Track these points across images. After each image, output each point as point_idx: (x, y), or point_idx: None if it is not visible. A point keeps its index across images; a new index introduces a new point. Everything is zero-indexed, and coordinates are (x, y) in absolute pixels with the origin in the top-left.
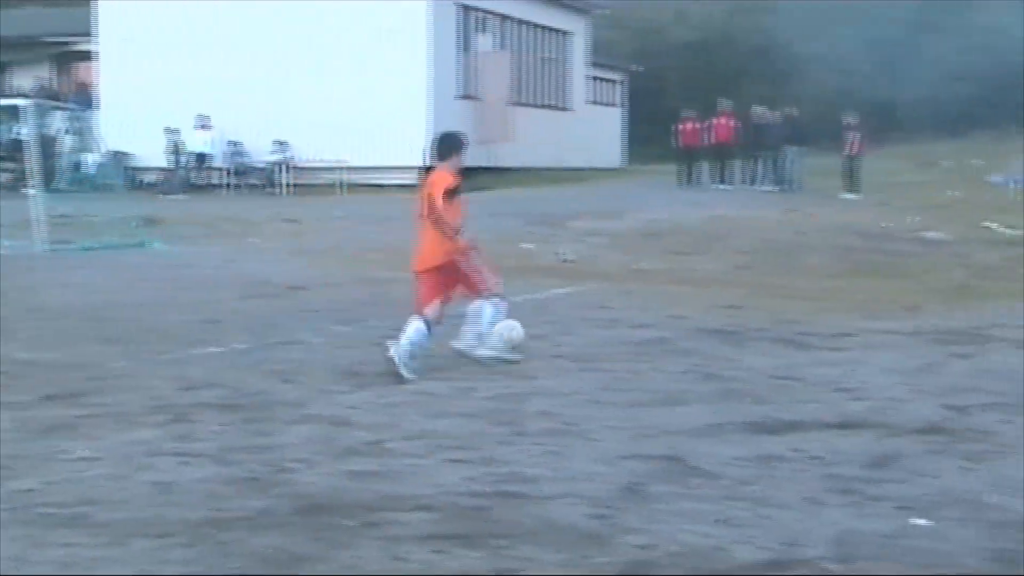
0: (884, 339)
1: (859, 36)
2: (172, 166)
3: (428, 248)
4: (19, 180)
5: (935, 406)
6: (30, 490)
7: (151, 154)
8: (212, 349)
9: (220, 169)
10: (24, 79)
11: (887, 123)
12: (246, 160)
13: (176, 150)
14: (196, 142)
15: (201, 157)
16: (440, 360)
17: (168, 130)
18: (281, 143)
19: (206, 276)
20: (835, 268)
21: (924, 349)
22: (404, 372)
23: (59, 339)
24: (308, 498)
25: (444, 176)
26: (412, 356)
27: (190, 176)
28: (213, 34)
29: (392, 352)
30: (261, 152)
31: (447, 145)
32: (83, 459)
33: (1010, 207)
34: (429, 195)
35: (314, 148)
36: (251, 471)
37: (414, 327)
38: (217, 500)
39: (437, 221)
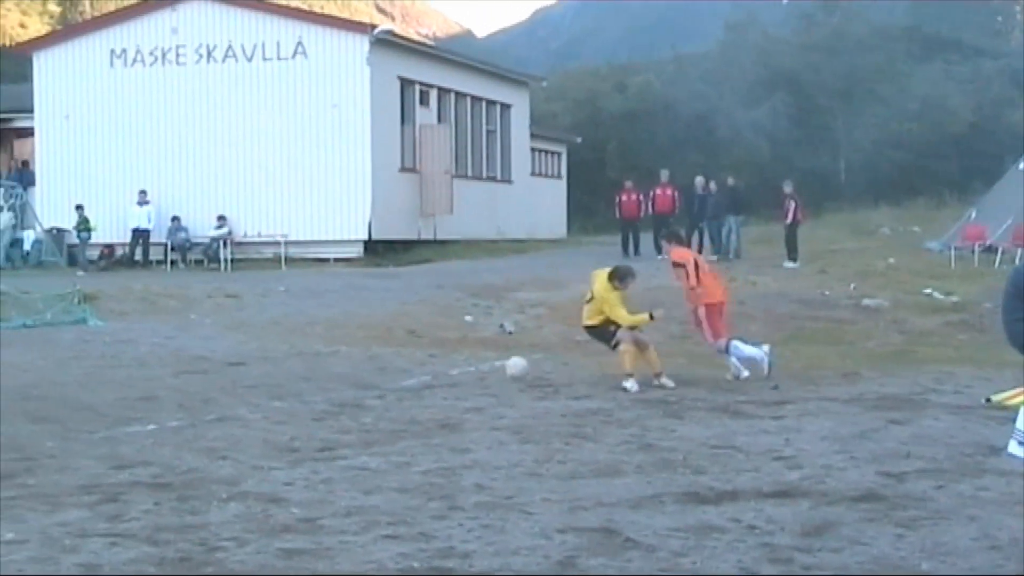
0: (821, 406)
1: (795, 105)
2: (81, 242)
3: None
4: None
5: (871, 473)
6: None
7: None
8: (146, 427)
9: (160, 244)
10: None
11: (826, 191)
12: (187, 235)
13: (84, 227)
14: (135, 218)
15: (140, 232)
16: (377, 435)
17: (77, 207)
18: (223, 218)
19: (143, 352)
20: (774, 336)
21: (861, 416)
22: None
23: None
24: None
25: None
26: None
27: (133, 253)
28: (152, 110)
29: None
30: (203, 227)
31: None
32: (8, 542)
33: (946, 273)
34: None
35: (255, 223)
36: (181, 551)
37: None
38: None
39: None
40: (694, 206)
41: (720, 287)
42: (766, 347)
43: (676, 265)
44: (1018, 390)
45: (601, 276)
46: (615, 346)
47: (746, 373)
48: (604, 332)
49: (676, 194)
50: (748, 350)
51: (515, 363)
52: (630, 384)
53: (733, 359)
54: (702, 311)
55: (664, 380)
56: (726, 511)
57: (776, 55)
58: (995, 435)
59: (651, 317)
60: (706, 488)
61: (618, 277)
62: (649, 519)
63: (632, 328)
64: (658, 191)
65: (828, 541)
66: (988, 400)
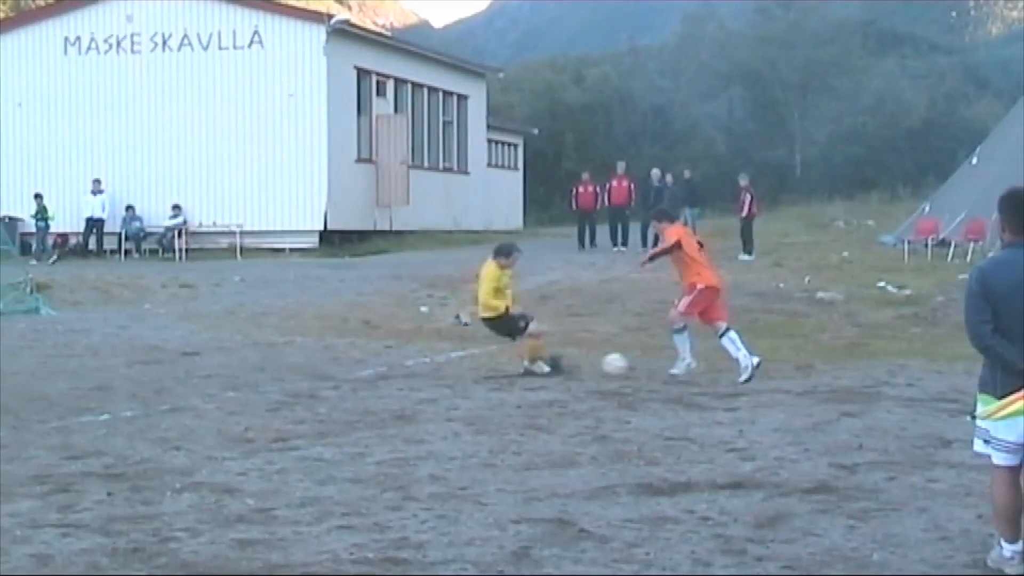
0: (775, 398)
1: (752, 98)
2: (38, 231)
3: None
4: None
5: (824, 465)
6: None
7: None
8: (99, 417)
9: (114, 234)
10: None
11: (781, 184)
12: (142, 225)
13: (41, 216)
14: (89, 207)
15: (94, 222)
16: (331, 425)
17: (35, 196)
18: (177, 207)
19: (96, 342)
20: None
21: (814, 408)
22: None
23: None
24: (191, 567)
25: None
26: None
27: (87, 242)
28: (107, 98)
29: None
30: (157, 217)
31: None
32: None
33: (900, 267)
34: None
35: (211, 212)
36: (134, 541)
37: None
38: (99, 572)
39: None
40: (650, 198)
41: (715, 272)
42: (756, 359)
43: (667, 249)
44: (1011, 398)
45: (490, 261)
46: (520, 334)
47: (690, 361)
48: (507, 323)
49: (632, 186)
50: (738, 350)
51: (612, 361)
52: (539, 367)
53: (680, 342)
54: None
55: (540, 365)
56: (680, 502)
57: (733, 48)
58: (946, 428)
59: (521, 324)
60: (660, 479)
61: (503, 253)
62: (603, 510)
63: (489, 313)
64: (614, 183)
65: (781, 532)
66: (972, 417)
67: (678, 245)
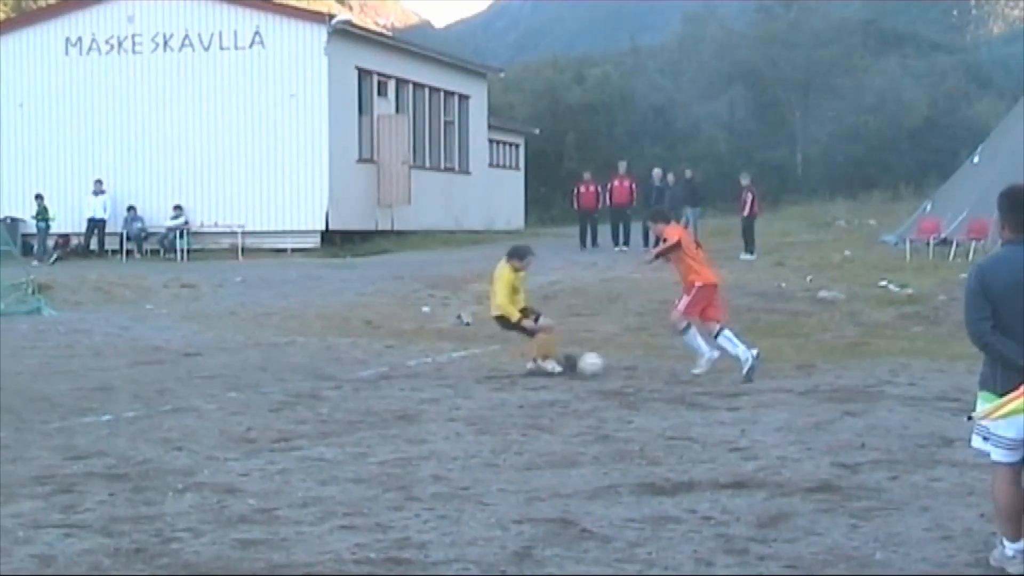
0: (777, 398)
1: (753, 98)
2: (39, 231)
3: None
4: None
5: (826, 464)
6: None
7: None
8: (101, 417)
9: (116, 235)
10: None
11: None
12: (143, 225)
13: (42, 216)
14: (90, 208)
15: (96, 222)
16: (333, 425)
17: (36, 196)
18: (179, 208)
19: (98, 343)
20: (731, 328)
21: (816, 407)
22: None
23: None
24: (193, 568)
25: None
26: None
27: (88, 243)
28: (108, 99)
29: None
30: (159, 217)
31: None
32: None
33: (902, 266)
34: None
35: (212, 213)
36: (137, 542)
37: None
38: (101, 572)
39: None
40: (651, 198)
41: (713, 270)
42: (755, 351)
43: (671, 248)
44: (1008, 398)
45: (503, 263)
46: (534, 332)
47: (710, 355)
48: (518, 326)
49: (634, 186)
50: (735, 347)
51: (592, 361)
52: (551, 365)
53: (689, 341)
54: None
55: (552, 364)
56: (682, 502)
57: (734, 48)
58: (948, 427)
59: (528, 327)
60: (662, 479)
61: (517, 256)
62: (605, 510)
63: (502, 314)
64: (616, 183)
65: (783, 532)
66: (970, 418)
67: (678, 244)
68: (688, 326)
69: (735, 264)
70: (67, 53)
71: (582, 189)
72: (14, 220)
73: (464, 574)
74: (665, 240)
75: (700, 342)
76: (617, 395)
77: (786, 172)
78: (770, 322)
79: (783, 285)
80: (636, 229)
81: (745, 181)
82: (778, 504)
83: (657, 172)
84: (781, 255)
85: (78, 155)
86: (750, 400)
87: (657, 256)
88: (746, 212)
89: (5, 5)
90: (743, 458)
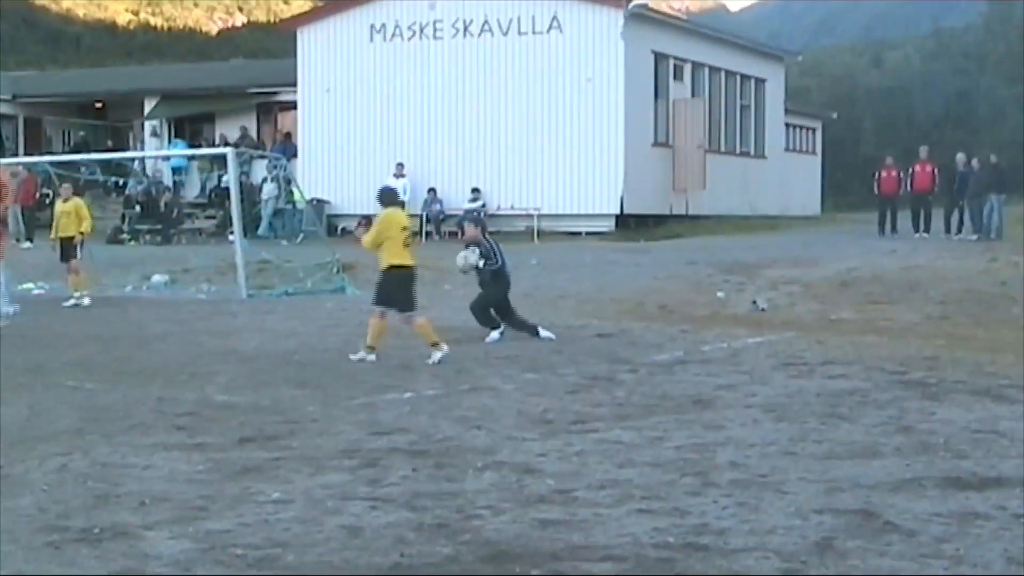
0: None
1: None
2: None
3: None
4: (222, 227)
5: None
6: (225, 531)
7: (348, 202)
8: (403, 395)
9: (415, 216)
10: (230, 129)
11: None
12: (441, 207)
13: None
14: None
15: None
16: (630, 409)
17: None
18: (477, 190)
19: (398, 322)
20: None
21: None
22: None
23: (254, 383)
24: (494, 545)
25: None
26: None
27: None
28: (409, 84)
29: None
30: (457, 199)
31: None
32: (275, 502)
33: None
34: None
35: (509, 196)
36: (439, 517)
37: None
38: (406, 546)
39: None
40: (955, 184)
41: None
42: None
43: None
44: None
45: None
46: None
47: None
48: None
49: (935, 171)
50: None
51: (463, 254)
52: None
53: None
54: None
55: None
56: (990, 498)
57: None
58: None
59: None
60: (968, 473)
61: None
62: (909, 503)
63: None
64: (917, 168)
65: None
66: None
67: None
68: None
69: None
70: (371, 40)
71: (883, 174)
72: (320, 202)
73: (765, 562)
74: None
75: None
76: (919, 385)
77: None
78: None
79: None
80: (937, 215)
81: None
82: None
83: (961, 157)
84: None
85: (380, 138)
86: None
87: None
88: None
89: None
90: None
